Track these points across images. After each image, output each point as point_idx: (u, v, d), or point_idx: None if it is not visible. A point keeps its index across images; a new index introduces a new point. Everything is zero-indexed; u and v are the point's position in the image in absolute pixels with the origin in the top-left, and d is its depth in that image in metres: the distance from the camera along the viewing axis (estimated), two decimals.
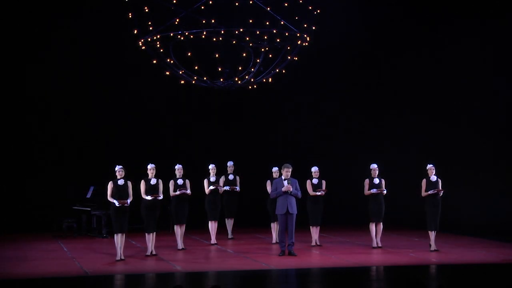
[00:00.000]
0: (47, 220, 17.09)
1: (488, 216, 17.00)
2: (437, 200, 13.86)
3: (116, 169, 13.02)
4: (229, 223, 16.21)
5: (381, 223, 14.45)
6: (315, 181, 14.69)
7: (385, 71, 19.38)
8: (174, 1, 13.67)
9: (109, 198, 12.93)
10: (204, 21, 13.89)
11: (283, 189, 13.27)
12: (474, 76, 17.65)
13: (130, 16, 14.19)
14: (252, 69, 14.83)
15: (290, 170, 13.40)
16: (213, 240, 15.25)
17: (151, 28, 14.15)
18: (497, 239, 15.45)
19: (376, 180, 14.38)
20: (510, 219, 16.54)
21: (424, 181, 13.93)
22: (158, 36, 14.29)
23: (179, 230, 14.40)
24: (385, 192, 14.37)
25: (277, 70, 14.96)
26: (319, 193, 14.62)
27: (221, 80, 14.81)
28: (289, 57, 14.83)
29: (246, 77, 14.81)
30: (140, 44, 14.57)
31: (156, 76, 16.53)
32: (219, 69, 14.77)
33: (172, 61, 14.58)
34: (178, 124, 19.48)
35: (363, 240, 15.57)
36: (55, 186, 17.84)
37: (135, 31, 14.36)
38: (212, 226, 15.34)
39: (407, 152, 18.66)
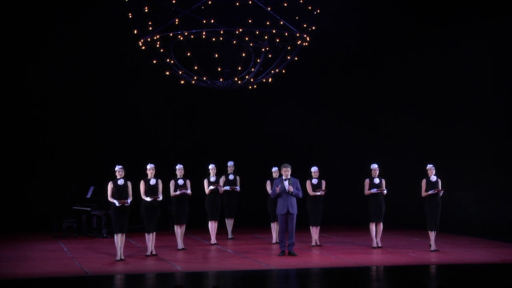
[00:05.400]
0: (47, 220, 17.09)
1: (488, 216, 17.00)
2: (437, 200, 13.86)
3: (116, 169, 13.02)
4: (229, 223, 16.20)
5: (381, 223, 14.45)
6: (314, 181, 14.68)
7: (385, 71, 19.38)
8: (174, 1, 13.67)
9: (109, 198, 12.93)
10: (204, 21, 13.88)
11: (277, 189, 13.24)
12: (475, 76, 17.67)
13: (130, 16, 14.19)
14: (252, 69, 14.82)
15: (289, 169, 13.40)
16: (213, 240, 15.25)
17: (151, 28, 14.15)
18: (497, 239, 15.45)
19: (377, 180, 14.38)
20: (510, 219, 16.54)
21: (424, 181, 13.93)
22: (158, 36, 14.29)
23: (179, 230, 14.40)
24: (385, 192, 14.37)
25: (277, 70, 14.96)
26: (319, 193, 14.62)
27: (221, 80, 14.80)
28: (289, 57, 14.83)
29: (246, 77, 14.81)
30: (140, 44, 14.57)
31: (156, 76, 16.53)
32: (219, 69, 14.77)
33: (172, 61, 14.58)
34: (178, 124, 19.48)
35: (363, 240, 15.58)
36: (55, 186, 17.84)
37: (135, 31, 14.35)
38: (212, 226, 15.34)
39: (407, 152, 18.66)
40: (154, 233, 13.55)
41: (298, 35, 14.52)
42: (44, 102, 18.16)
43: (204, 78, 14.61)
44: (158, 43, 14.42)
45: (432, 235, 13.95)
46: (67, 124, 18.32)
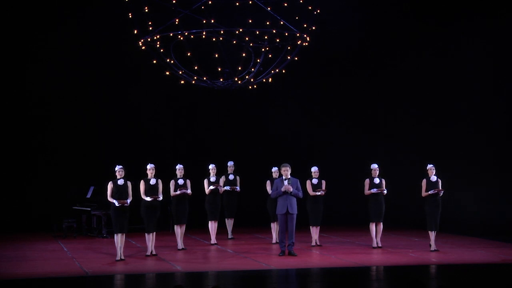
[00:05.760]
0: (47, 220, 17.09)
1: (488, 216, 17.00)
2: (437, 200, 13.86)
3: (116, 169, 13.03)
4: (229, 223, 16.21)
5: (381, 223, 14.45)
6: (315, 181, 14.68)
7: (385, 71, 19.38)
8: (174, 1, 13.67)
9: (109, 198, 12.93)
10: (204, 21, 13.88)
11: (282, 189, 13.28)
12: (475, 76, 17.66)
13: (130, 16, 14.19)
14: (252, 69, 14.83)
15: (289, 169, 13.40)
16: (213, 240, 15.25)
17: (151, 28, 14.15)
18: (497, 239, 15.45)
19: (377, 180, 14.38)
20: (510, 219, 16.54)
21: (424, 181, 13.93)
22: (158, 36, 14.29)
23: (179, 230, 14.40)
24: (385, 192, 14.37)
25: (277, 70, 14.96)
26: (319, 193, 14.62)
27: (221, 80, 14.81)
28: (289, 57, 14.83)
29: (246, 77, 14.81)
30: (140, 44, 14.57)
31: (156, 76, 16.53)
32: (219, 69, 14.77)
33: (172, 61, 14.58)
34: (178, 124, 19.48)
35: (363, 240, 15.58)
36: (55, 186, 17.84)
37: (135, 31, 14.36)
38: (212, 226, 15.34)
39: (407, 152, 18.67)
40: (154, 233, 13.55)
41: (298, 35, 14.52)
42: (44, 102, 18.15)
43: (204, 78, 14.61)
44: (158, 43, 14.42)
45: (432, 235, 13.95)
46: (67, 124, 18.31)
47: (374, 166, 14.46)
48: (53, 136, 18.19)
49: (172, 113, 19.36)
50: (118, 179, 12.97)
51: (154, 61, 14.81)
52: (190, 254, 13.93)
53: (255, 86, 15.56)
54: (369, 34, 19.05)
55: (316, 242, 14.89)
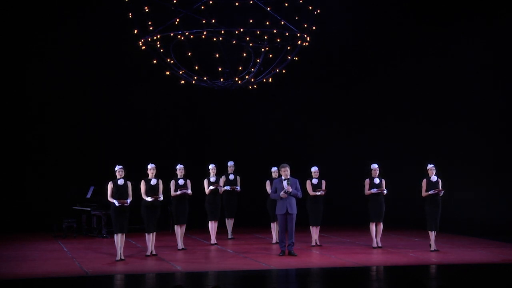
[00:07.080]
0: (47, 220, 17.09)
1: (488, 216, 17.00)
2: (437, 200, 13.86)
3: (116, 169, 13.03)
4: (229, 223, 16.21)
5: (381, 223, 14.45)
6: (315, 181, 14.68)
7: (385, 71, 19.38)
8: (174, 1, 13.67)
9: (109, 198, 12.93)
10: (204, 21, 13.89)
11: (281, 194, 13.23)
12: (475, 76, 17.67)
13: (130, 16, 14.20)
14: (252, 69, 14.83)
15: (288, 169, 13.40)
16: (213, 240, 15.25)
17: (151, 28, 14.15)
18: (497, 239, 15.45)
19: (377, 180, 14.38)
20: (510, 219, 16.54)
21: (424, 181, 13.93)
22: (158, 36, 14.29)
23: (179, 230, 14.40)
24: (385, 192, 14.37)
25: (277, 70, 14.97)
26: (319, 193, 14.62)
27: (221, 80, 14.81)
28: (289, 57, 14.84)
29: (246, 77, 14.81)
30: (140, 44, 14.58)
31: (156, 76, 16.54)
32: (219, 69, 14.78)
33: (172, 61, 14.59)
34: (178, 124, 19.48)
35: (363, 240, 15.58)
36: (55, 186, 17.84)
37: (135, 31, 14.36)
38: (212, 226, 15.34)
39: (407, 152, 18.67)
40: (154, 233, 13.55)
41: (298, 35, 14.52)
42: (44, 102, 18.16)
43: (204, 78, 14.62)
44: (158, 43, 14.43)
45: (432, 235, 13.95)
46: (67, 124, 18.31)
47: (374, 166, 14.46)
48: (53, 136, 18.19)
49: (172, 113, 19.37)
50: (118, 179, 12.97)
51: (154, 61, 14.82)
52: (190, 254, 13.93)
53: (255, 86, 15.57)
54: (369, 34, 19.05)
55: (316, 242, 14.89)
